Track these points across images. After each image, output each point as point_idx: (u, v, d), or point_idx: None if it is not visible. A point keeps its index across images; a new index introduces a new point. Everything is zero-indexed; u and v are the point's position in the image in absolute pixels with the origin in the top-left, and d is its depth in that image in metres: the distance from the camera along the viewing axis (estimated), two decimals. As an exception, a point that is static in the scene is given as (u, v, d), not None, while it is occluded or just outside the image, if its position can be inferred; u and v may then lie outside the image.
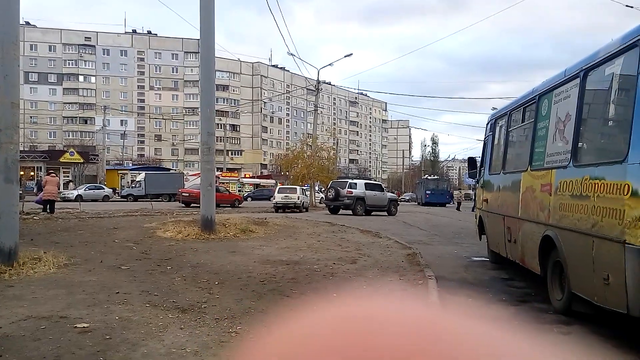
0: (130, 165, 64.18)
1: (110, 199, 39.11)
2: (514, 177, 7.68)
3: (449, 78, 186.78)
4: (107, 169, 56.34)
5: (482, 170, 10.17)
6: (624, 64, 4.66)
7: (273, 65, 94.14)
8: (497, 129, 9.30)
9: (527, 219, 6.82)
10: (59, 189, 20.08)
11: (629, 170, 4.20)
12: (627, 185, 4.19)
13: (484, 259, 9.86)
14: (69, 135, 78.91)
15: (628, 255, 4.11)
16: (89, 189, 38.93)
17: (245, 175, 69.38)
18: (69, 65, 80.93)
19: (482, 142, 10.65)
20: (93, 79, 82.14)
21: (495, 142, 9.39)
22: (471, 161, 11.25)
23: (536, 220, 6.41)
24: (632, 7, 16.45)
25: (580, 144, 5.47)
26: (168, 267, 7.73)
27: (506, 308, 6.10)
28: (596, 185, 4.73)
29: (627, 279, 4.12)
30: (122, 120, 78.23)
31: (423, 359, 0.30)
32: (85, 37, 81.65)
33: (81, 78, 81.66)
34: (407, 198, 65.53)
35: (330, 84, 65.48)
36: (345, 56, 35.60)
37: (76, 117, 79.83)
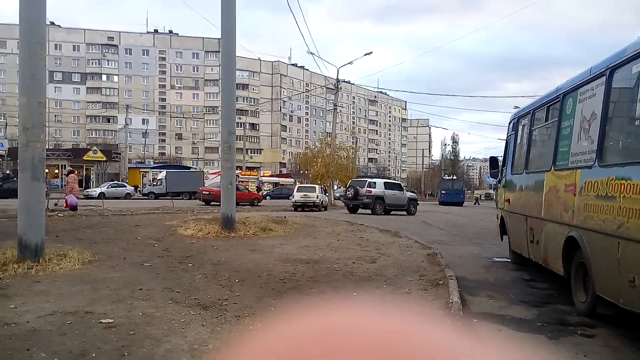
0: (152, 163, 65.02)
1: (132, 197, 39.65)
2: (537, 176, 7.57)
3: (465, 76, 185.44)
4: (129, 167, 57.19)
5: (504, 170, 10.04)
6: (652, 62, 4.56)
7: (292, 64, 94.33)
8: (520, 127, 9.18)
9: (551, 220, 6.72)
10: (80, 187, 20.45)
11: (656, 171, 4.11)
12: (654, 186, 4.10)
13: (505, 259, 9.75)
14: (92, 134, 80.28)
15: (655, 257, 4.03)
16: (112, 187, 39.54)
17: (264, 174, 69.68)
18: (92, 64, 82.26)
19: (504, 141, 10.52)
20: (116, 78, 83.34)
21: (518, 141, 9.27)
22: (493, 160, 11.13)
23: (560, 220, 6.32)
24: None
25: (605, 143, 5.37)
26: (189, 265, 7.82)
27: (528, 310, 6.02)
28: (622, 185, 4.64)
29: (654, 282, 4.04)
30: (143, 119, 79.27)
31: None
32: (108, 37, 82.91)
33: (104, 77, 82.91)
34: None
35: (349, 82, 65.40)
36: (365, 54, 35.51)
37: (99, 115, 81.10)
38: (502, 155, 10.48)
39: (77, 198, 19.13)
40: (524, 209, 8.20)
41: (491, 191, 50.35)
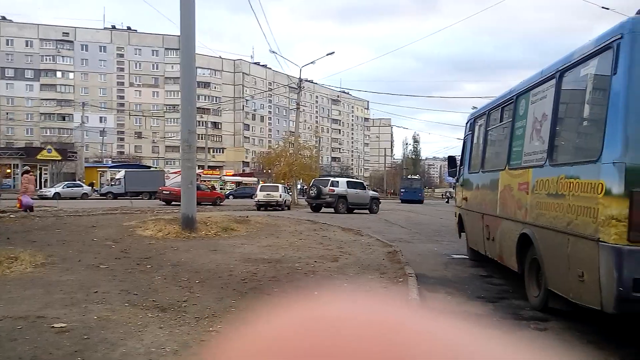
0: (110, 162, 63.35)
1: (89, 197, 38.55)
2: (492, 175, 7.79)
3: (426, 77, 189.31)
4: (85, 167, 55.43)
5: (462, 169, 10.29)
6: (599, 65, 4.76)
7: (255, 63, 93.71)
8: (476, 128, 9.41)
9: (505, 217, 6.93)
10: (36, 187, 19.70)
11: (602, 170, 4.29)
12: (600, 184, 4.28)
13: (463, 256, 9.98)
14: (46, 132, 77.48)
15: (602, 253, 4.21)
16: (67, 187, 38.34)
17: (227, 173, 68.97)
18: (46, 60, 79.45)
19: (462, 141, 10.77)
20: (71, 75, 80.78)
21: (475, 141, 9.50)
22: (451, 160, 11.38)
23: (514, 218, 6.52)
24: (607, 8, 16.78)
25: (556, 143, 5.57)
26: (148, 266, 7.66)
27: (485, 305, 6.19)
28: (571, 184, 4.83)
29: (601, 276, 4.22)
30: (101, 117, 77.20)
31: (401, 357, 0.31)
32: (63, 33, 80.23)
33: (59, 74, 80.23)
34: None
35: (312, 82, 65.42)
36: (327, 54, 35.77)
37: (54, 113, 78.40)
38: (460, 154, 10.72)
39: (32, 199, 18.45)
40: (481, 207, 8.42)
41: (451, 190, 51.77)
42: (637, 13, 4.37)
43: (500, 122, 7.89)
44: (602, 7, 16.89)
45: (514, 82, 7.43)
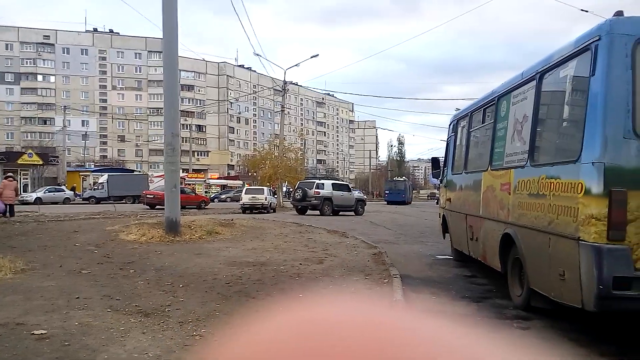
0: (93, 166, 62.59)
1: (72, 202, 38.05)
2: (475, 176, 7.85)
3: (409, 79, 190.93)
4: (67, 171, 54.61)
5: (445, 170, 10.36)
6: (577, 67, 4.83)
7: (239, 66, 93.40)
8: (459, 129, 9.49)
9: (488, 218, 6.99)
10: (17, 193, 19.38)
11: (582, 170, 4.36)
12: (580, 184, 4.34)
13: (447, 257, 10.05)
14: (27, 137, 76.29)
15: (582, 252, 4.27)
16: (49, 192, 37.80)
17: (211, 176, 68.59)
18: (26, 64, 78.36)
19: (445, 142, 10.85)
20: (52, 79, 79.75)
21: (458, 142, 9.58)
22: (434, 161, 11.46)
23: (496, 218, 6.58)
24: (587, 11, 17.07)
25: (536, 144, 5.64)
26: (131, 271, 7.58)
27: (469, 305, 6.23)
28: (552, 184, 4.89)
29: (581, 275, 4.28)
30: (83, 121, 76.30)
31: (385, 357, 0.31)
32: (44, 36, 79.21)
33: (40, 77, 79.20)
34: None
35: (297, 84, 65.46)
36: (311, 57, 35.66)
37: (35, 117, 77.32)
38: (444, 156, 10.80)
39: (14, 204, 18.16)
40: (464, 208, 8.49)
41: (436, 191, 52.54)
42: (614, 15, 4.44)
43: (483, 123, 7.96)
44: (582, 10, 17.17)
45: (496, 83, 7.53)
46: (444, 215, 10.33)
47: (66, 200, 37.57)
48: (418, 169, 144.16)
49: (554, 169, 4.96)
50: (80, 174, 53.30)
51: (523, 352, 0.34)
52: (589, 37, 4.53)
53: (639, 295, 4.11)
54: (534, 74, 5.72)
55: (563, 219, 4.61)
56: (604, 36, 4.33)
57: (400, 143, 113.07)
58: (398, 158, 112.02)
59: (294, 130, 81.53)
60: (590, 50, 4.47)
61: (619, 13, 4.44)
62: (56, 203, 35.26)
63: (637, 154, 4.18)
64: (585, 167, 4.31)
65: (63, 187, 41.81)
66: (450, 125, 10.35)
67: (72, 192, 41.53)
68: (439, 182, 11.50)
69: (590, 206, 4.23)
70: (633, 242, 4.11)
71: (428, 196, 76.73)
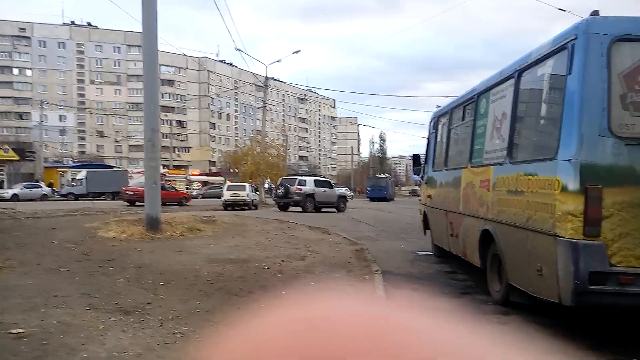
0: (71, 162, 61.55)
1: (49, 198, 37.40)
2: (455, 173, 7.94)
3: (390, 76, 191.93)
4: (45, 167, 53.71)
5: (426, 167, 10.45)
6: (555, 65, 4.91)
7: (220, 61, 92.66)
8: (440, 126, 9.57)
9: (468, 214, 7.07)
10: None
11: (559, 167, 4.43)
12: (557, 181, 4.42)
13: (428, 253, 10.14)
14: (3, 132, 74.49)
15: (559, 247, 4.35)
16: (26, 188, 37.09)
17: (192, 172, 68.02)
18: (2, 57, 76.59)
19: (426, 139, 10.93)
20: (29, 72, 78.09)
21: (438, 139, 9.66)
22: (415, 158, 11.54)
23: (476, 215, 6.66)
24: (564, 10, 17.33)
25: (515, 141, 5.73)
26: (110, 268, 7.49)
27: (449, 300, 6.30)
28: (530, 181, 4.98)
29: (558, 270, 4.36)
30: (60, 116, 74.93)
31: (368, 353, 0.31)
32: (20, 28, 77.41)
33: (16, 71, 77.50)
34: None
35: (279, 80, 65.32)
36: (293, 53, 35.68)
37: (10, 112, 75.65)
38: (425, 152, 10.88)
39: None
40: (444, 204, 8.58)
41: (417, 188, 53.15)
42: (591, 14, 4.53)
43: (463, 120, 8.05)
44: (559, 9, 17.42)
45: (475, 81, 7.61)
46: (424, 211, 10.42)
47: (44, 197, 36.94)
48: (400, 166, 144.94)
49: (531, 166, 5.04)
50: (58, 170, 52.39)
51: (500, 345, 0.35)
52: (566, 36, 4.61)
53: (614, 290, 4.21)
54: (513, 72, 5.80)
55: (541, 215, 4.69)
56: (580, 35, 4.41)
57: (382, 140, 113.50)
58: (380, 155, 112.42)
59: (275, 127, 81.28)
60: (567, 49, 4.55)
61: (595, 13, 4.52)
62: (33, 200, 34.64)
63: (612, 151, 4.27)
64: (562, 164, 4.39)
65: (40, 184, 41.07)
66: (431, 122, 10.43)
67: (50, 188, 40.83)
68: (420, 179, 11.58)
69: (566, 203, 4.31)
70: (608, 238, 4.20)
71: (410, 192, 77.42)
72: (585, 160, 4.25)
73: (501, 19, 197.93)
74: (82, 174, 40.28)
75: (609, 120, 4.26)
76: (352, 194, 64.80)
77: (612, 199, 4.20)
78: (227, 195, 27.39)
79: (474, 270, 7.20)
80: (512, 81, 5.81)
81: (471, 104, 7.42)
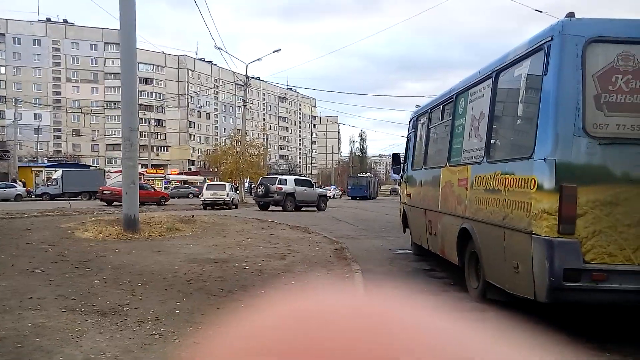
0: (46, 162, 60.39)
1: (24, 198, 36.63)
2: (434, 172, 8.01)
3: (370, 76, 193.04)
4: (19, 166, 52.52)
5: (406, 166, 10.52)
6: (531, 66, 4.99)
7: (200, 59, 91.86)
8: (419, 126, 9.65)
9: (446, 213, 7.15)
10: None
11: (534, 166, 4.51)
12: (533, 180, 4.50)
13: (408, 251, 10.22)
14: (-25, 130, 72.88)
15: (534, 245, 4.43)
16: (0, 188, 36.26)
17: (171, 172, 67.35)
18: (-26, 54, 74.79)
19: (406, 138, 11.00)
20: (2, 70, 76.35)
21: (418, 138, 9.74)
22: (395, 157, 11.61)
23: (454, 213, 6.74)
24: (540, 11, 17.61)
25: (492, 140, 5.81)
26: (87, 270, 7.37)
27: (427, 298, 6.35)
28: (506, 179, 5.05)
29: (534, 267, 4.44)
30: (35, 114, 73.38)
31: (349, 350, 0.31)
32: (-7, 25, 75.70)
33: (-11, 68, 75.71)
34: None
35: (259, 79, 64.98)
36: (273, 51, 35.39)
37: (-17, 110, 73.86)
38: (404, 151, 10.96)
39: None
40: (423, 203, 8.65)
41: (397, 186, 53.74)
42: (566, 16, 4.61)
43: (441, 120, 8.12)
44: (536, 10, 17.71)
45: (455, 81, 7.69)
46: (404, 210, 10.50)
47: (18, 197, 36.16)
48: (380, 165, 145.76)
49: (508, 165, 5.12)
50: (33, 169, 51.24)
51: (475, 340, 0.36)
52: (542, 38, 4.69)
53: (587, 287, 4.30)
54: (490, 72, 5.87)
55: (517, 213, 4.76)
56: (556, 37, 4.49)
57: (362, 139, 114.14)
58: (360, 154, 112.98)
59: (256, 126, 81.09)
60: (543, 50, 4.63)
61: (571, 14, 4.61)
62: (7, 200, 33.90)
63: (586, 150, 4.36)
64: (538, 163, 4.47)
65: (15, 184, 40.18)
66: (410, 121, 10.51)
67: (24, 188, 39.97)
68: (399, 178, 11.66)
69: (542, 201, 4.39)
70: (582, 236, 4.29)
71: (390, 191, 78.31)
72: (560, 160, 4.33)
73: (478, 20, 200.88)
74: (57, 173, 39.56)
75: (584, 120, 4.35)
76: (340, 193, 65.54)
77: (586, 198, 4.29)
78: (206, 194, 27.17)
79: (453, 267, 7.28)
80: (489, 81, 5.89)
81: (450, 104, 7.50)
